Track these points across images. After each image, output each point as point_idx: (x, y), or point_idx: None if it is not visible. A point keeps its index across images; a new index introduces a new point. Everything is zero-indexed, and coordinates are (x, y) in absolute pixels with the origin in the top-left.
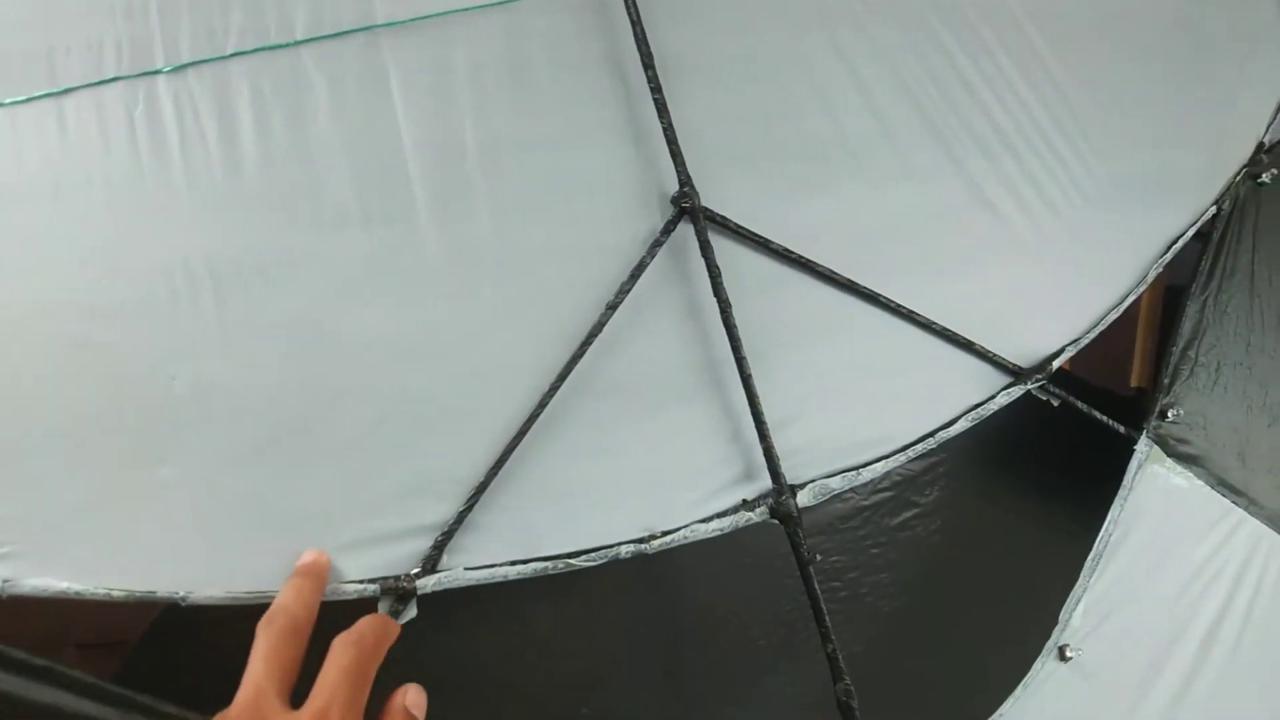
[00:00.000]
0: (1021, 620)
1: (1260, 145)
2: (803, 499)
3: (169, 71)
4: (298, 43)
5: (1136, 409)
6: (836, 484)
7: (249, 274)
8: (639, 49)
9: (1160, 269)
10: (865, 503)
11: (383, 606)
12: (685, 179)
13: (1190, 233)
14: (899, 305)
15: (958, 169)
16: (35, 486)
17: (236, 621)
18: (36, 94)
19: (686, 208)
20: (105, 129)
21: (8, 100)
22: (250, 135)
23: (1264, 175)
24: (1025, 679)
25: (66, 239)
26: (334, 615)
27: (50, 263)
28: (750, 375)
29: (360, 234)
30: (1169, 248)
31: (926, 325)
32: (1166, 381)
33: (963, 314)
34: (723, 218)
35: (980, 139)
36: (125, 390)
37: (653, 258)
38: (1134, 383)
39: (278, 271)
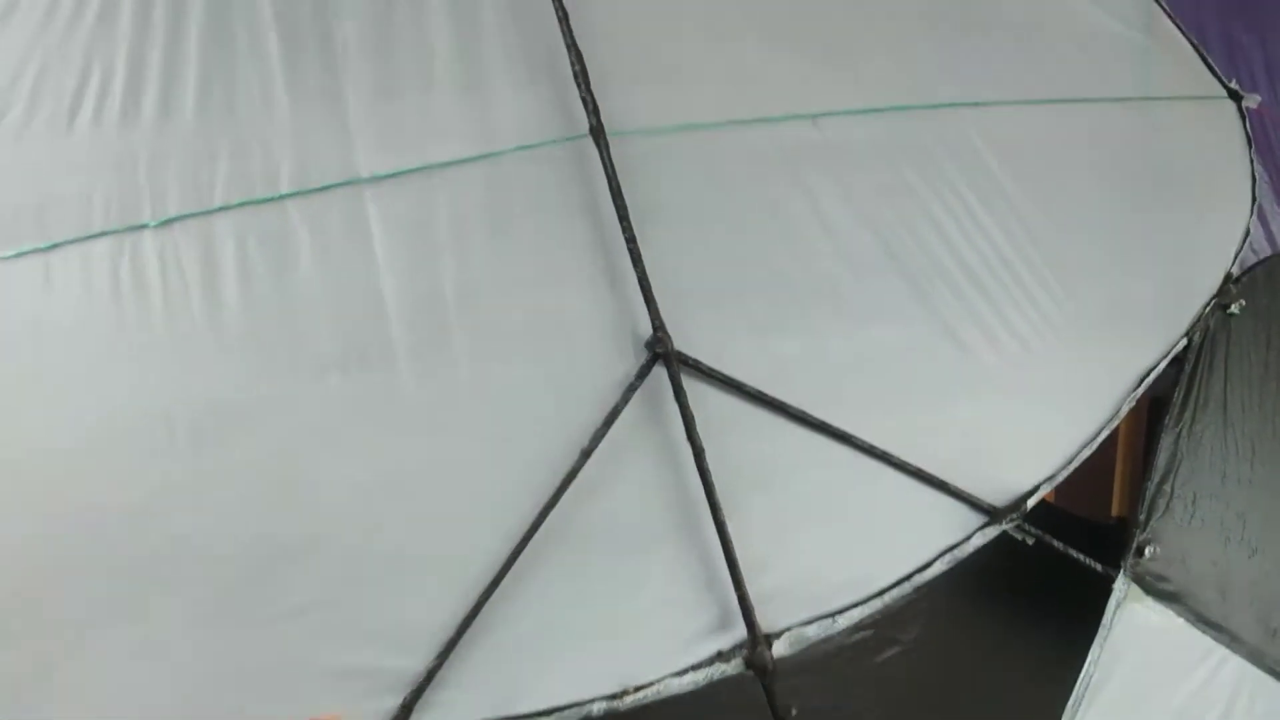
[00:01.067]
0: None
1: (1228, 275)
2: (779, 648)
3: (155, 226)
4: (282, 197)
5: (1118, 538)
6: (813, 632)
7: (227, 423)
8: (614, 201)
9: (1133, 403)
10: (847, 641)
11: None
12: (659, 324)
13: (1162, 365)
14: (871, 445)
15: (926, 306)
16: (4, 644)
17: None
18: (25, 249)
19: (660, 353)
20: (90, 283)
21: None
22: (233, 286)
23: (1233, 305)
24: None
25: (49, 393)
26: None
27: (31, 415)
28: (725, 523)
29: (339, 381)
30: (1141, 381)
31: (900, 465)
32: (1143, 517)
33: (935, 451)
34: (695, 361)
35: (948, 276)
36: (101, 544)
37: (626, 403)
38: (1115, 510)
39: (255, 420)
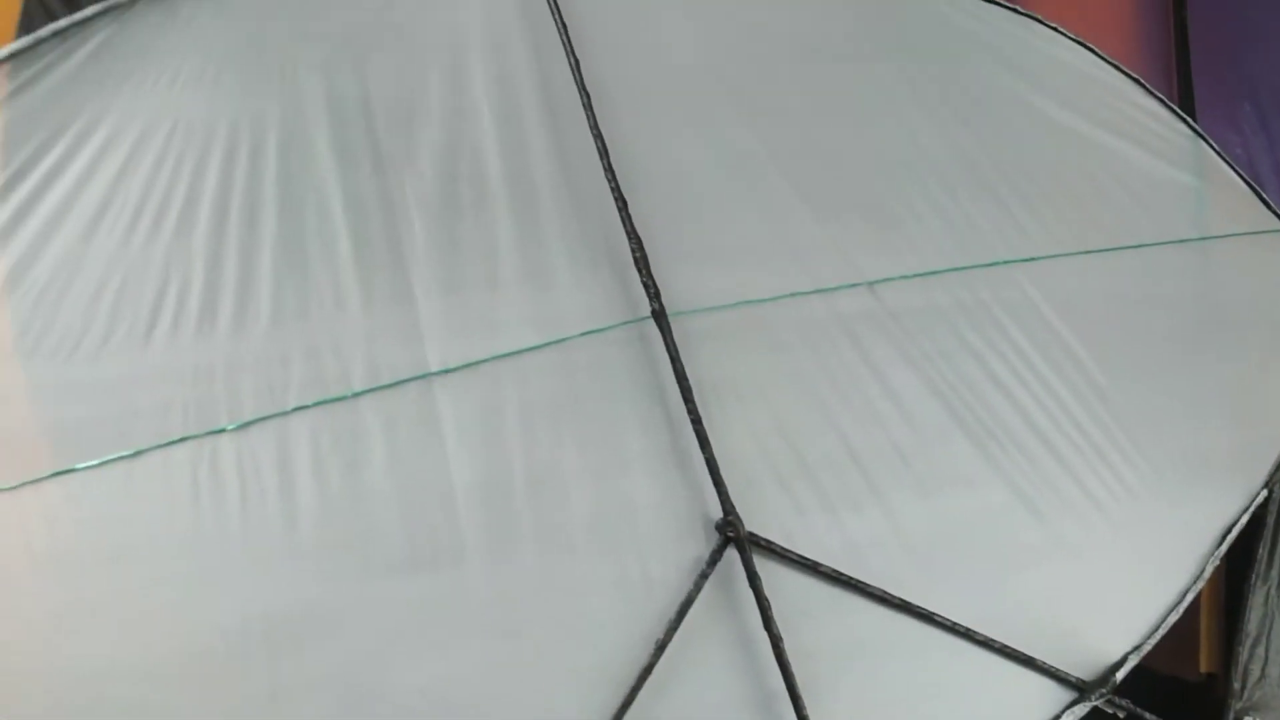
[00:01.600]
0: None
1: None
2: None
3: (233, 430)
4: (355, 395)
5: (1208, 698)
6: None
7: (299, 632)
8: (679, 384)
9: (1217, 561)
10: None
11: None
12: (729, 508)
13: (1244, 520)
14: (954, 624)
15: (998, 472)
16: None
17: None
18: (108, 457)
19: (732, 536)
20: (170, 490)
21: (81, 465)
22: (308, 488)
23: None
24: None
25: (128, 604)
26: None
27: (110, 627)
28: (807, 717)
29: (410, 583)
30: (1223, 538)
31: (984, 642)
32: (1238, 685)
33: (1018, 624)
34: (768, 542)
35: (1018, 439)
36: None
37: (699, 590)
38: (1203, 667)
39: (327, 628)
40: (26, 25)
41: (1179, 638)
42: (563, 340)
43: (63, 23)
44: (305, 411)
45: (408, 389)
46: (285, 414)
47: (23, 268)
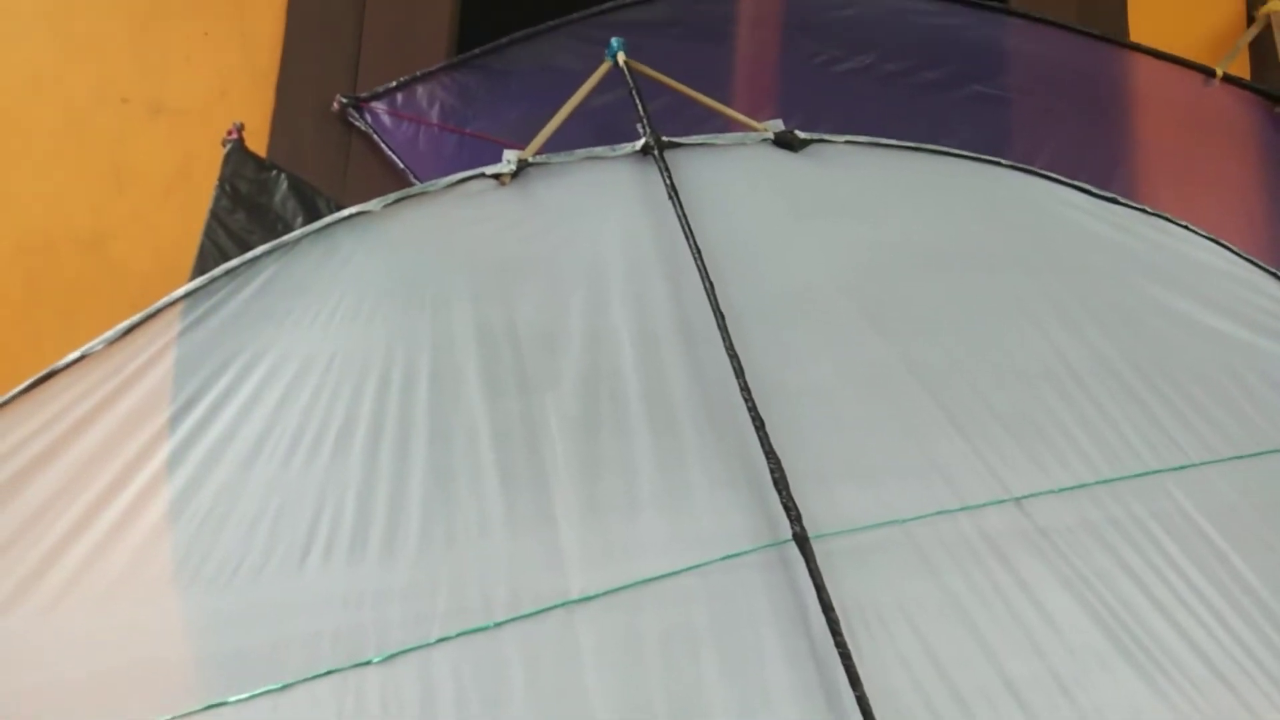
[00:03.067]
0: None
1: None
2: None
3: (379, 662)
4: (498, 625)
5: None
6: None
7: None
8: (825, 614)
9: None
10: None
11: None
12: None
13: None
14: None
15: (1165, 703)
16: None
17: None
18: (259, 690)
19: None
20: None
21: (232, 699)
22: None
23: None
24: None
25: None
26: None
27: None
28: None
29: None
30: None
31: None
32: None
33: None
34: None
35: (1184, 667)
36: None
37: None
38: None
39: None
40: (201, 267)
41: None
42: (702, 565)
43: (235, 262)
44: (448, 643)
45: (548, 617)
46: (429, 645)
47: (186, 498)
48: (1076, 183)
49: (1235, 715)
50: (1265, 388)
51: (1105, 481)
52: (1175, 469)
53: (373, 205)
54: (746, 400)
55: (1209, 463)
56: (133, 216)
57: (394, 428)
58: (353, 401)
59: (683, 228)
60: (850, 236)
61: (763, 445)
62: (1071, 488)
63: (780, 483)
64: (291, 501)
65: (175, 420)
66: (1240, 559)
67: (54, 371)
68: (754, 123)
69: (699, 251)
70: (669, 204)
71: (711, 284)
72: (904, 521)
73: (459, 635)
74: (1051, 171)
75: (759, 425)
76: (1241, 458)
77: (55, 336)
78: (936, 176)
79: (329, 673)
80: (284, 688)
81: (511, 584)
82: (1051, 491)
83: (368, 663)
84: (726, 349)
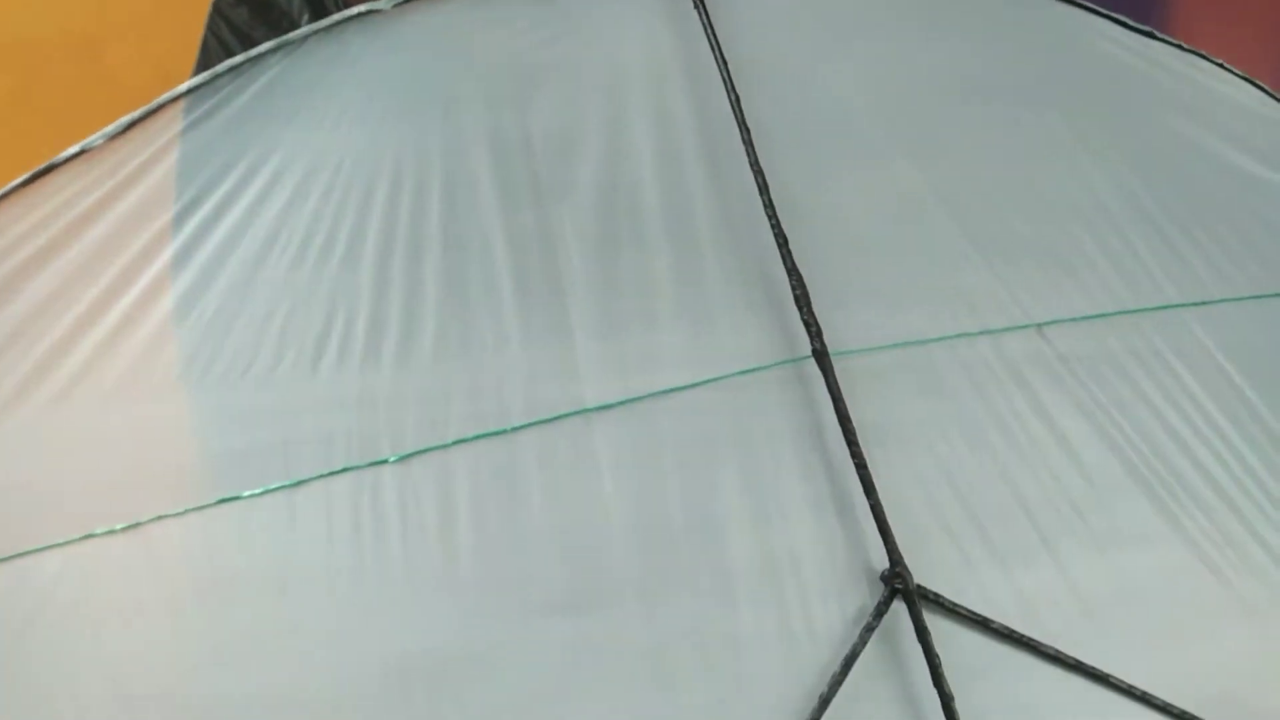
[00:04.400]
0: None
1: None
2: None
3: (395, 461)
4: (515, 429)
5: None
6: None
7: (457, 670)
8: (842, 426)
9: None
10: None
11: None
12: (896, 558)
13: None
14: (1131, 687)
15: (1177, 530)
16: None
17: None
18: (272, 486)
19: (899, 588)
20: (332, 520)
21: (245, 493)
22: (467, 523)
23: None
24: None
25: (289, 633)
26: None
27: (271, 657)
28: None
29: (565, 624)
30: None
31: (1163, 707)
32: None
33: (1197, 689)
34: (937, 595)
35: (1196, 495)
36: None
37: (865, 644)
38: None
39: (485, 667)
40: (204, 62)
41: None
42: (721, 379)
43: (239, 58)
44: (465, 446)
45: (565, 426)
46: (446, 446)
47: (193, 298)
48: (1114, 15)
49: (1244, 541)
50: None
51: (1127, 312)
52: (1197, 304)
53: (383, 4)
54: (770, 217)
55: (1231, 300)
56: (130, 23)
57: (406, 234)
58: (363, 206)
59: (708, 37)
60: (887, 59)
61: (785, 262)
62: (1093, 316)
63: (802, 299)
64: (302, 304)
65: (179, 219)
66: (1257, 395)
67: (53, 165)
68: None
69: (725, 62)
70: (695, 14)
71: (737, 95)
72: (924, 343)
73: (475, 438)
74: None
75: (782, 242)
76: (1264, 297)
77: (47, 143)
78: (981, 3)
79: (344, 470)
80: (298, 484)
81: (528, 392)
82: (1074, 319)
83: (384, 462)
84: (751, 164)
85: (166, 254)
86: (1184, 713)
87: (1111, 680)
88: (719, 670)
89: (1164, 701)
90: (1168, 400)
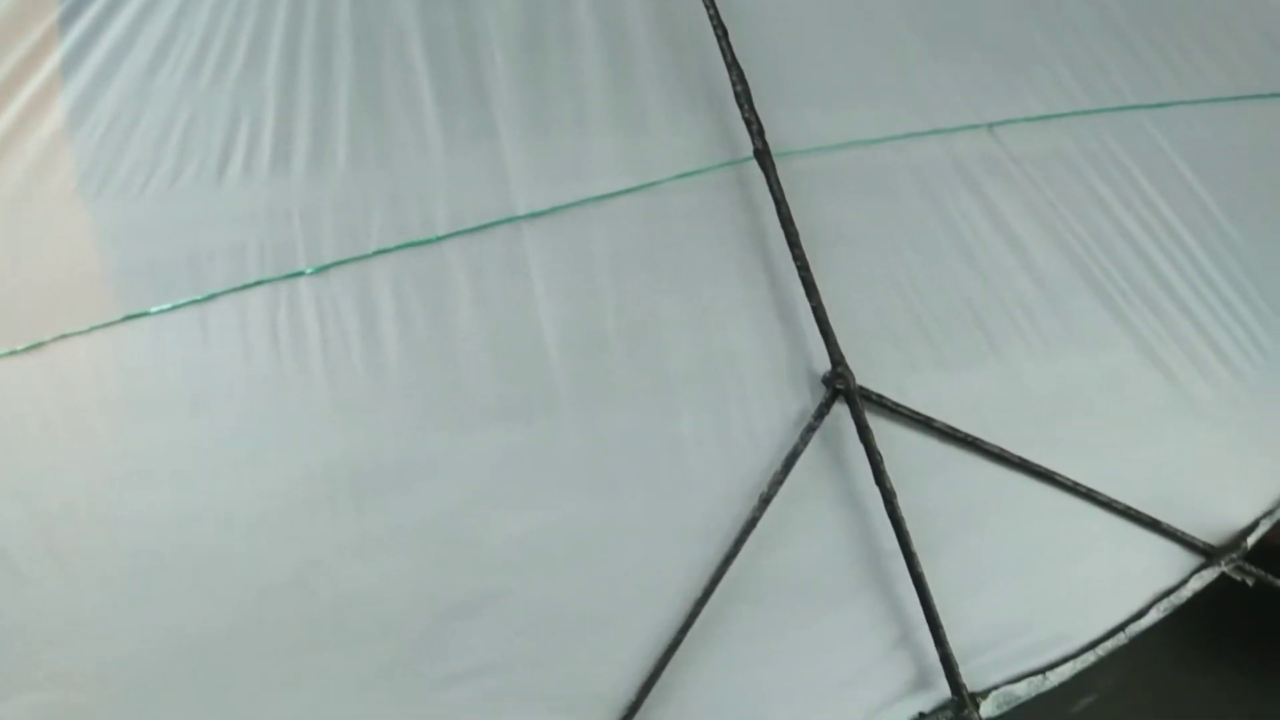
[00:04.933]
0: None
1: None
2: (986, 710)
3: (312, 273)
4: (440, 238)
5: None
6: (1022, 691)
7: (389, 479)
8: (784, 227)
9: None
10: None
11: None
12: (838, 358)
13: None
14: (1074, 483)
15: (1127, 331)
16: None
17: None
18: (182, 300)
19: (841, 389)
20: (247, 334)
21: (154, 309)
22: (392, 333)
23: None
24: None
25: (205, 450)
26: None
27: (187, 473)
28: (922, 574)
29: (500, 432)
30: None
31: (1107, 504)
32: None
33: (1143, 488)
34: (879, 396)
35: (1148, 296)
36: (263, 606)
37: (806, 444)
38: None
39: (418, 476)
40: None
41: None
42: (657, 183)
43: None
44: (387, 256)
45: (494, 235)
46: (367, 257)
47: (86, 106)
48: None
49: (1195, 343)
50: (1254, 34)
51: (1082, 113)
52: (1154, 106)
53: None
54: (708, 6)
55: (1189, 102)
56: None
57: (314, 34)
58: (266, 6)
59: None
60: None
61: (725, 56)
62: (1047, 116)
63: (742, 96)
64: (204, 112)
65: (65, 21)
66: (1211, 198)
67: None
68: None
69: None
70: None
71: None
72: (871, 142)
73: (398, 248)
74: None
75: (721, 34)
76: (1220, 100)
77: None
78: None
79: (258, 283)
80: (209, 298)
81: (452, 200)
82: (1027, 119)
83: (300, 274)
84: None
85: (55, 57)
86: (1128, 509)
87: (1056, 478)
88: (658, 475)
89: (1108, 498)
90: (1121, 202)
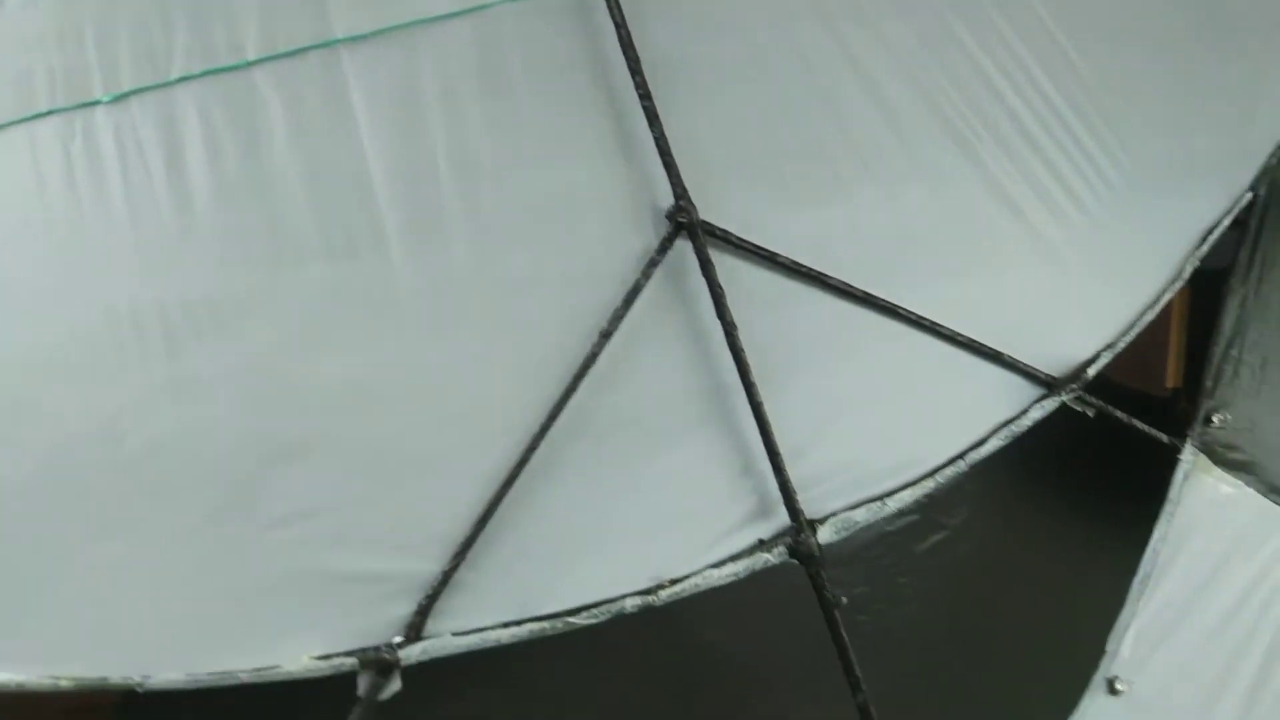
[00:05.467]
0: (1064, 652)
1: None
2: (824, 535)
3: (109, 101)
4: (250, 64)
5: (1174, 411)
6: (860, 516)
7: (202, 320)
8: (625, 53)
9: (1197, 262)
10: (889, 528)
11: (363, 682)
12: (681, 192)
13: (1226, 222)
14: (919, 317)
15: (976, 167)
16: None
17: None
18: None
19: (683, 223)
20: (40, 167)
21: None
22: (200, 167)
23: None
24: (1072, 718)
25: (1, 297)
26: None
27: None
28: (761, 403)
29: (323, 270)
30: (1204, 239)
31: (950, 337)
32: (1209, 384)
33: (988, 322)
34: (724, 231)
35: (999, 134)
36: (71, 454)
37: (648, 279)
38: (1170, 382)
39: (233, 316)
40: None
41: (1146, 354)
42: (487, 6)
43: None
44: (192, 84)
45: (311, 61)
46: (169, 85)
47: None
48: None
49: (1046, 183)
50: None
51: None
52: None
53: None
54: None
55: None
56: None
57: None
58: None
59: None
60: None
61: None
62: None
63: None
64: None
65: None
66: (1066, 38)
67: None
68: None
69: None
70: None
71: None
72: None
73: (203, 74)
74: None
75: None
76: None
77: None
78: None
79: (49, 112)
80: None
81: (264, 22)
82: None
83: (96, 103)
84: None
85: None
86: (971, 341)
87: (900, 312)
88: (495, 312)
89: (951, 331)
90: (977, 42)
